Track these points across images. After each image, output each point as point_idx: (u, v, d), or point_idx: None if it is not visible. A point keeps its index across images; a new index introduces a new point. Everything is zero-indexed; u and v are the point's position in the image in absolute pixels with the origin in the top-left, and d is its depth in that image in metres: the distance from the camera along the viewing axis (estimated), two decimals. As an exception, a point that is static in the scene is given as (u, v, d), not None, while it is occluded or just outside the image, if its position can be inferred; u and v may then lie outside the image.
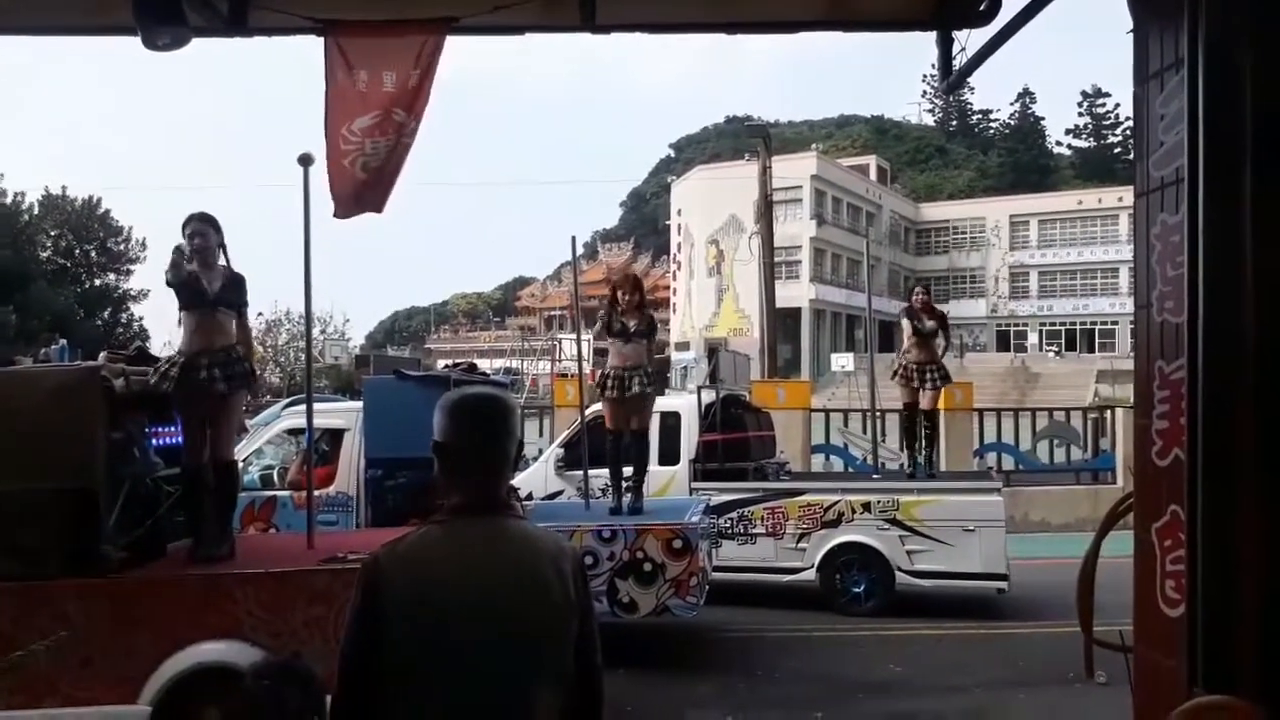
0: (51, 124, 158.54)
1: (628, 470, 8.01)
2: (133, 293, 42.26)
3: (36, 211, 41.08)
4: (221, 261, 5.50)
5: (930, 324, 10.10)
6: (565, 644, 1.99)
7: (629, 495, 7.95)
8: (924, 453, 10.21)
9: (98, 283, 42.44)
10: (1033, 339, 64.60)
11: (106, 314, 42.06)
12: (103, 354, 5.79)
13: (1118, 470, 14.91)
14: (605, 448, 8.19)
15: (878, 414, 12.67)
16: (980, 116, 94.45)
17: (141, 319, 41.15)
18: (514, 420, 2.10)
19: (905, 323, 10.25)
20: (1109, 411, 16.47)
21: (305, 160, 5.48)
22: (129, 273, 42.86)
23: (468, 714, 1.91)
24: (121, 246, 42.88)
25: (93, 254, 42.52)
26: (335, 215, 5.10)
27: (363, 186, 4.87)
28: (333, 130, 4.68)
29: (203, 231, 5.39)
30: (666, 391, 11.85)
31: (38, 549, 4.76)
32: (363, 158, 4.74)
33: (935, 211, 71.39)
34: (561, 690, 1.98)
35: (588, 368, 8.52)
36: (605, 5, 4.36)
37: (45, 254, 41.31)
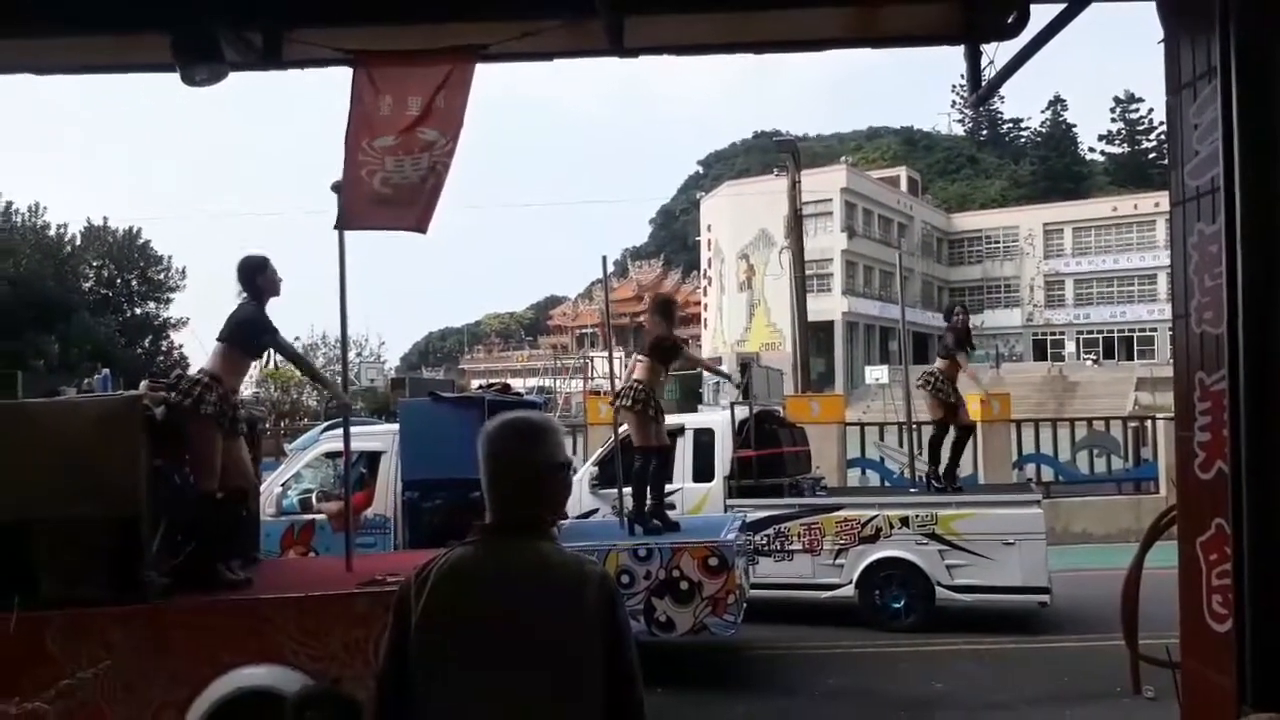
0: (92, 156, 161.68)
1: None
2: (173, 321, 42.92)
3: (79, 243, 41.86)
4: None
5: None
6: (584, 665, 1.98)
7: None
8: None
9: (138, 311, 43.05)
10: (1070, 347, 63.72)
11: (147, 342, 42.62)
12: (144, 383, 5.87)
13: (1160, 479, 14.66)
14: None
15: (913, 427, 12.55)
16: (1011, 125, 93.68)
17: (181, 346, 41.69)
18: (540, 439, 2.11)
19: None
20: (1149, 420, 16.21)
21: (338, 187, 5.55)
22: (169, 301, 43.53)
23: None
24: (161, 275, 43.57)
25: (134, 283, 43.16)
26: (335, 226, 5.22)
27: (384, 202, 4.87)
28: (352, 145, 4.72)
29: None
30: (699, 409, 11.72)
31: (82, 576, 4.83)
32: (382, 173, 4.76)
33: (968, 221, 70.81)
34: (591, 714, 1.98)
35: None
36: (633, 28, 4.39)
37: (88, 284, 42.00)
